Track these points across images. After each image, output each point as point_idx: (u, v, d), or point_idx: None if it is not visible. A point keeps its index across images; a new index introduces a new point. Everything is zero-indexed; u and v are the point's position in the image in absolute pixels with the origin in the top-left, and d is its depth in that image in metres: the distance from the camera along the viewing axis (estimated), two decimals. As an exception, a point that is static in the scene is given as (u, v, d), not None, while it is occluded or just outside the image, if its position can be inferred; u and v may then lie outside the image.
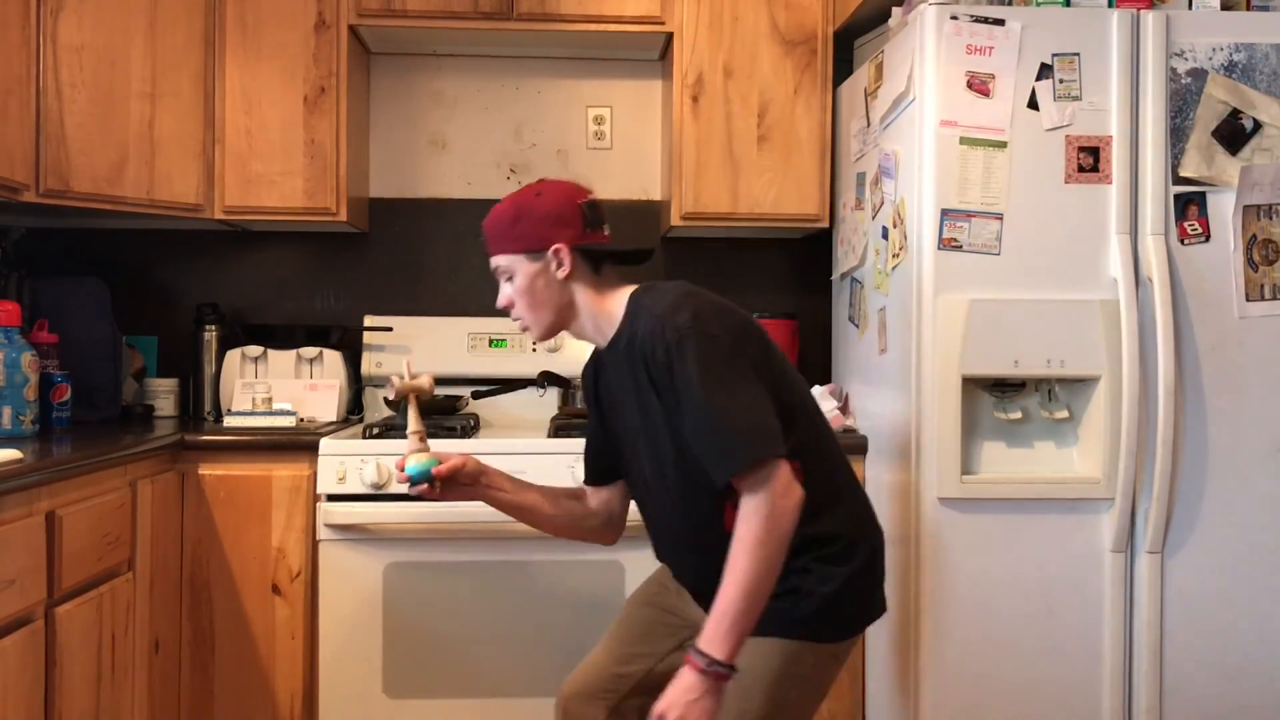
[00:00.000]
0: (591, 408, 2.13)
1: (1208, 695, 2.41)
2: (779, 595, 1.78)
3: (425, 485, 2.03)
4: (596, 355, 2.06)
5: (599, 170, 3.34)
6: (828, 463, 1.90)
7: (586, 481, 2.20)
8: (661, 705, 1.72)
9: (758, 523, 1.70)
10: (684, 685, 1.71)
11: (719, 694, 1.72)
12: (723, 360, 1.77)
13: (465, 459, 2.09)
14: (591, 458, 2.18)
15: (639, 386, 1.88)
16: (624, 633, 2.12)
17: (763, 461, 1.71)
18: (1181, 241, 2.40)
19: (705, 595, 1.84)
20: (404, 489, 2.55)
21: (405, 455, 2.05)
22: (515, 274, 1.94)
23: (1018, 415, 2.43)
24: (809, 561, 1.84)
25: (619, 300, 1.94)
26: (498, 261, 1.96)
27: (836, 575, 1.86)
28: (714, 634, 1.70)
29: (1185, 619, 2.41)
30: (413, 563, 2.59)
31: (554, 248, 1.90)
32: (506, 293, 1.98)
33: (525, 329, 2.00)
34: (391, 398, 2.12)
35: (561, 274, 1.91)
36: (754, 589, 1.70)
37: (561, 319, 1.97)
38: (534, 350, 3.17)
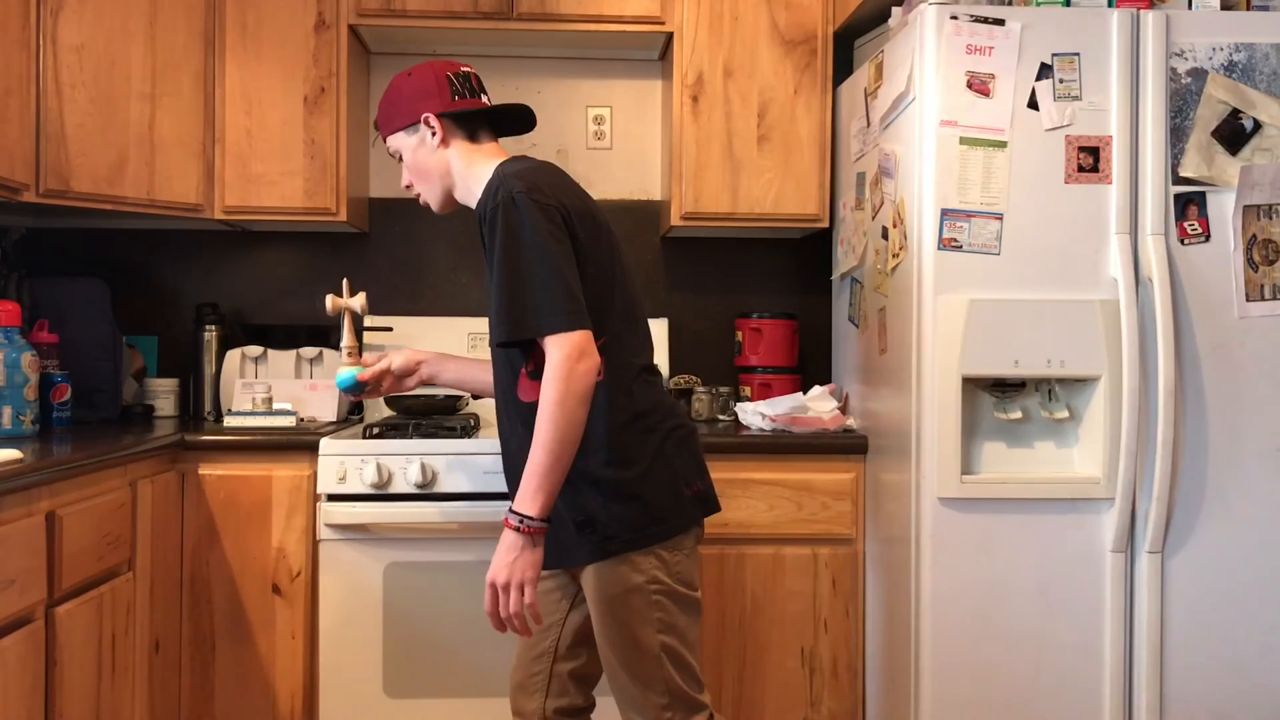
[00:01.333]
0: None
1: (1208, 695, 2.41)
2: (580, 526, 1.92)
3: (357, 391, 2.29)
4: None
5: (599, 170, 3.34)
6: (628, 357, 1.97)
7: None
8: (491, 573, 1.84)
9: (556, 385, 1.80)
10: (505, 547, 1.84)
11: (538, 547, 1.84)
12: (540, 231, 1.86)
13: (389, 360, 2.30)
14: None
15: (483, 247, 2.00)
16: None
17: (558, 334, 1.82)
18: (1181, 241, 2.40)
19: (512, 474, 2.00)
20: (408, 489, 2.58)
21: (341, 367, 2.29)
22: (403, 151, 2.10)
23: (1018, 415, 2.43)
24: (591, 484, 1.91)
25: (488, 165, 2.04)
26: (389, 145, 2.13)
27: (632, 486, 1.92)
28: (524, 493, 1.83)
29: (1185, 619, 2.41)
30: (413, 563, 2.59)
31: (423, 116, 2.05)
32: (405, 174, 2.14)
33: (425, 204, 2.15)
34: (328, 311, 2.35)
35: (434, 141, 2.05)
36: (556, 448, 1.81)
37: (446, 187, 2.10)
38: (534, 350, 3.17)
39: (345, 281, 2.36)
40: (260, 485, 2.64)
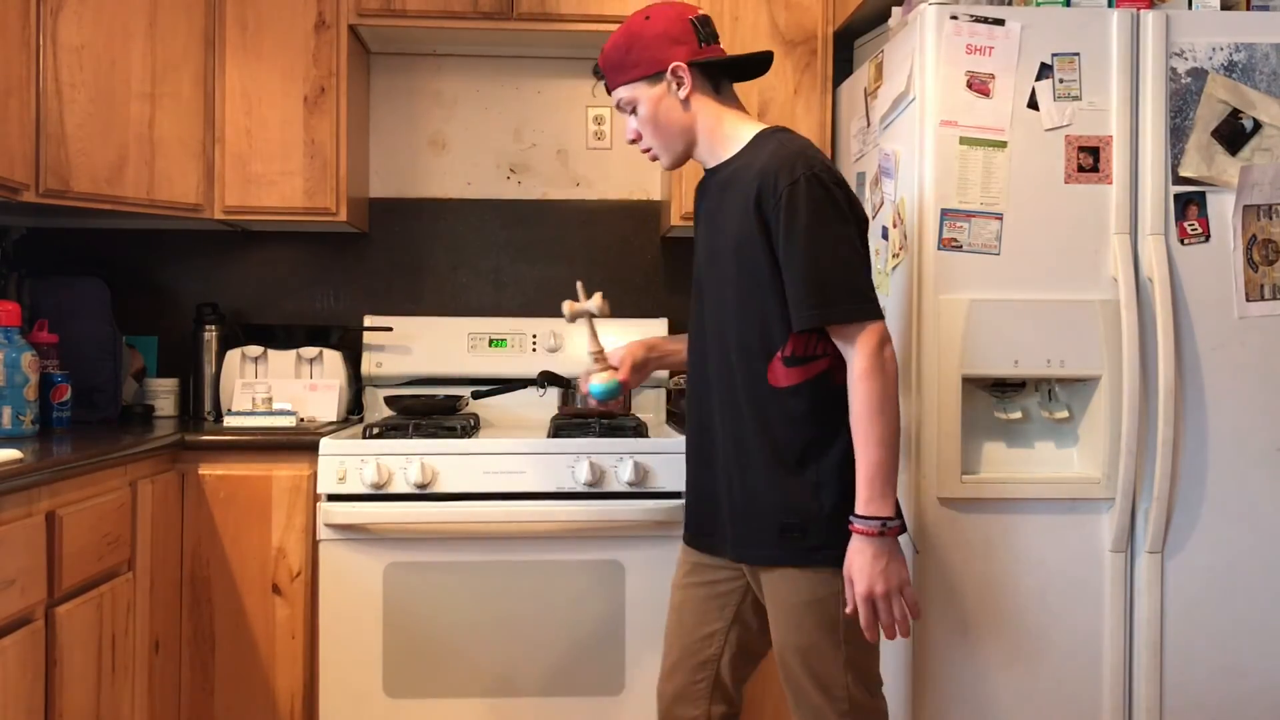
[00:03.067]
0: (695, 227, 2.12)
1: (1208, 695, 2.41)
2: (787, 528, 1.84)
3: (615, 397, 2.14)
4: (700, 184, 2.06)
5: (599, 170, 3.34)
6: None
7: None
8: (863, 586, 1.77)
9: (876, 378, 1.76)
10: (869, 556, 1.76)
11: (899, 549, 1.78)
12: (842, 219, 1.81)
13: (633, 355, 2.16)
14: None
15: (730, 213, 1.88)
16: (683, 618, 2.08)
17: (869, 323, 1.77)
18: (1181, 241, 2.40)
19: (727, 461, 1.91)
20: (408, 489, 2.58)
21: (587, 374, 2.13)
22: (638, 103, 1.94)
23: (1018, 415, 2.43)
24: (814, 487, 1.85)
25: (740, 126, 1.94)
26: (620, 94, 1.96)
27: (847, 495, 1.85)
28: (870, 495, 1.76)
29: (1185, 619, 2.40)
30: (413, 563, 2.59)
31: (672, 66, 1.89)
32: (632, 126, 1.98)
33: (654, 158, 2.00)
34: (566, 318, 2.16)
35: (683, 93, 1.91)
36: (888, 441, 1.76)
37: (689, 142, 1.96)
38: (534, 350, 3.17)
39: (580, 284, 2.20)
40: (260, 485, 2.64)
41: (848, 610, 1.82)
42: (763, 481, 1.89)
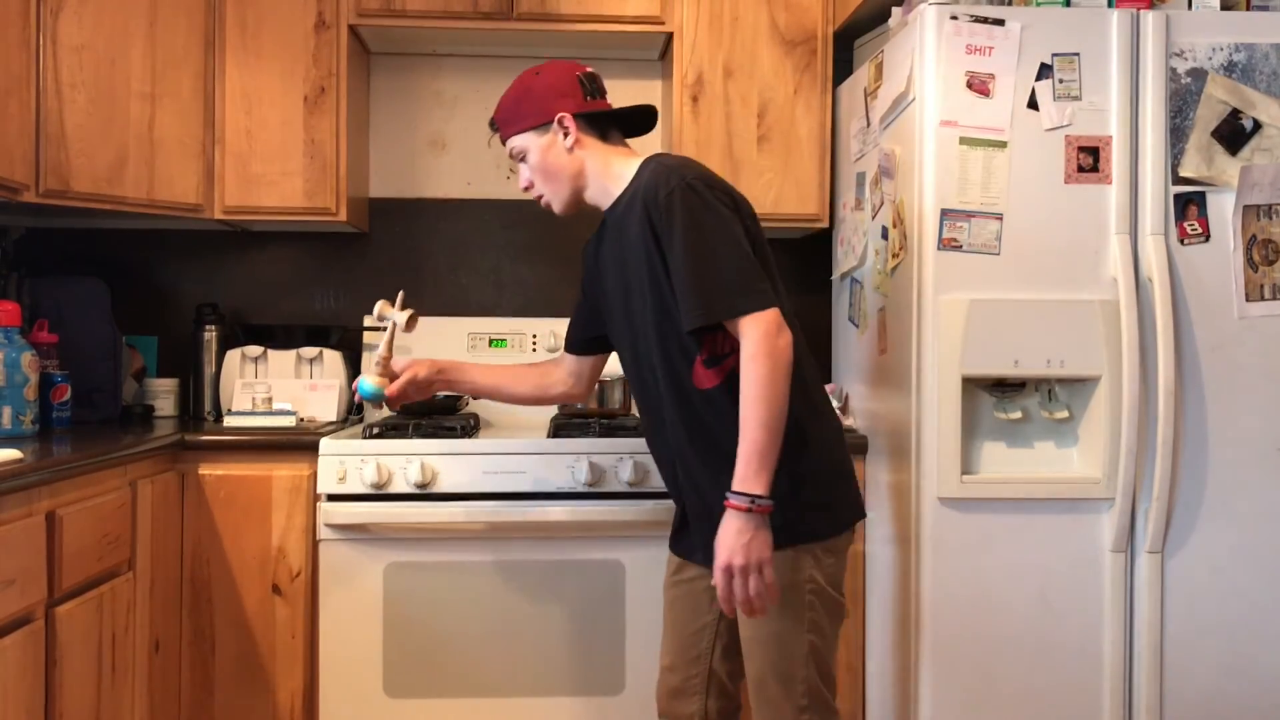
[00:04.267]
0: (585, 278, 2.25)
1: (1208, 695, 2.41)
2: None
3: (377, 402, 2.25)
4: (600, 227, 2.15)
5: (599, 170, 3.34)
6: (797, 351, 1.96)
7: (566, 348, 2.35)
8: (723, 557, 1.82)
9: (762, 361, 1.81)
10: (734, 530, 1.81)
11: (767, 527, 1.82)
12: (719, 219, 1.88)
13: (414, 372, 2.25)
14: (573, 327, 2.32)
15: (631, 237, 1.97)
16: (674, 618, 2.16)
17: (753, 313, 1.83)
18: (1181, 241, 2.40)
19: (679, 468, 2.01)
20: (408, 489, 2.58)
21: (365, 374, 2.25)
22: (528, 151, 2.05)
23: (1018, 415, 2.43)
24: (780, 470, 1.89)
25: (627, 163, 2.04)
26: (511, 144, 2.08)
27: (804, 476, 1.92)
28: (746, 473, 1.81)
29: (1185, 619, 2.41)
30: (413, 563, 2.59)
31: (558, 116, 2.01)
32: (525, 175, 2.09)
33: (547, 205, 2.11)
34: (375, 315, 2.26)
35: (569, 142, 2.03)
36: (773, 424, 1.81)
37: (577, 188, 2.06)
38: (534, 350, 3.17)
39: (401, 293, 2.29)
40: (260, 485, 2.64)
41: (712, 582, 1.88)
42: (708, 481, 1.96)
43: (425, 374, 2.27)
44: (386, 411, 3.02)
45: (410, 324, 2.24)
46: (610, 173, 2.04)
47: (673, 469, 2.07)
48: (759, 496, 1.81)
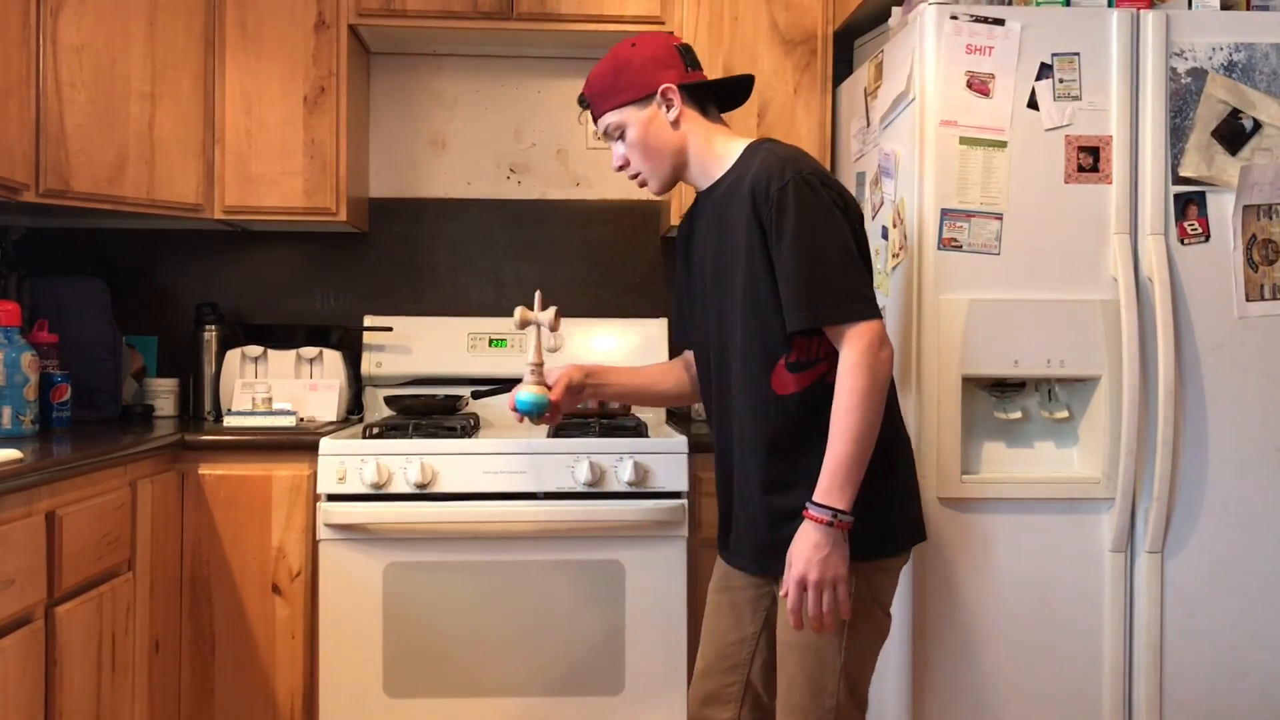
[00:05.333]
0: (681, 262, 2.12)
1: (1208, 695, 2.41)
2: (793, 533, 1.82)
3: (539, 415, 2.06)
4: (693, 206, 2.06)
5: (599, 170, 3.34)
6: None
7: (678, 343, 2.21)
8: (798, 569, 1.76)
9: (863, 374, 1.75)
10: (812, 541, 1.75)
11: (845, 543, 1.77)
12: (832, 220, 1.81)
13: (569, 376, 2.11)
14: (679, 318, 2.17)
15: (733, 225, 1.88)
16: (715, 624, 2.09)
17: (861, 322, 1.77)
18: (1181, 241, 2.40)
19: (738, 468, 1.93)
20: (408, 489, 2.57)
21: (519, 386, 2.07)
22: (627, 127, 1.94)
23: (1018, 415, 2.43)
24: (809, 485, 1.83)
25: (730, 144, 1.95)
26: (608, 120, 1.96)
27: (879, 493, 1.85)
28: (830, 485, 1.75)
29: (1185, 619, 2.40)
30: (413, 563, 2.59)
31: (662, 88, 1.91)
32: (620, 152, 1.98)
33: (643, 184, 2.00)
34: (516, 325, 2.12)
35: (673, 114, 1.92)
36: (862, 438, 1.75)
37: (678, 165, 1.96)
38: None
39: (538, 294, 2.17)
40: (260, 485, 2.64)
41: (780, 593, 1.83)
42: (764, 487, 1.89)
43: (580, 378, 2.13)
44: (385, 410, 3.02)
45: (556, 322, 2.11)
46: (712, 151, 1.94)
47: (729, 467, 1.99)
48: (841, 511, 1.75)
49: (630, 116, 1.94)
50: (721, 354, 1.95)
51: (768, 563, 1.92)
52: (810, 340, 1.84)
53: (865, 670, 1.92)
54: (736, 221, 1.87)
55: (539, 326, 2.11)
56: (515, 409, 2.06)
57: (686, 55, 1.96)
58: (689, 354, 2.19)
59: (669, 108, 1.92)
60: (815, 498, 1.77)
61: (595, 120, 2.00)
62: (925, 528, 2.03)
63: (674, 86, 1.91)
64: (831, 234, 1.80)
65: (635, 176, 2.00)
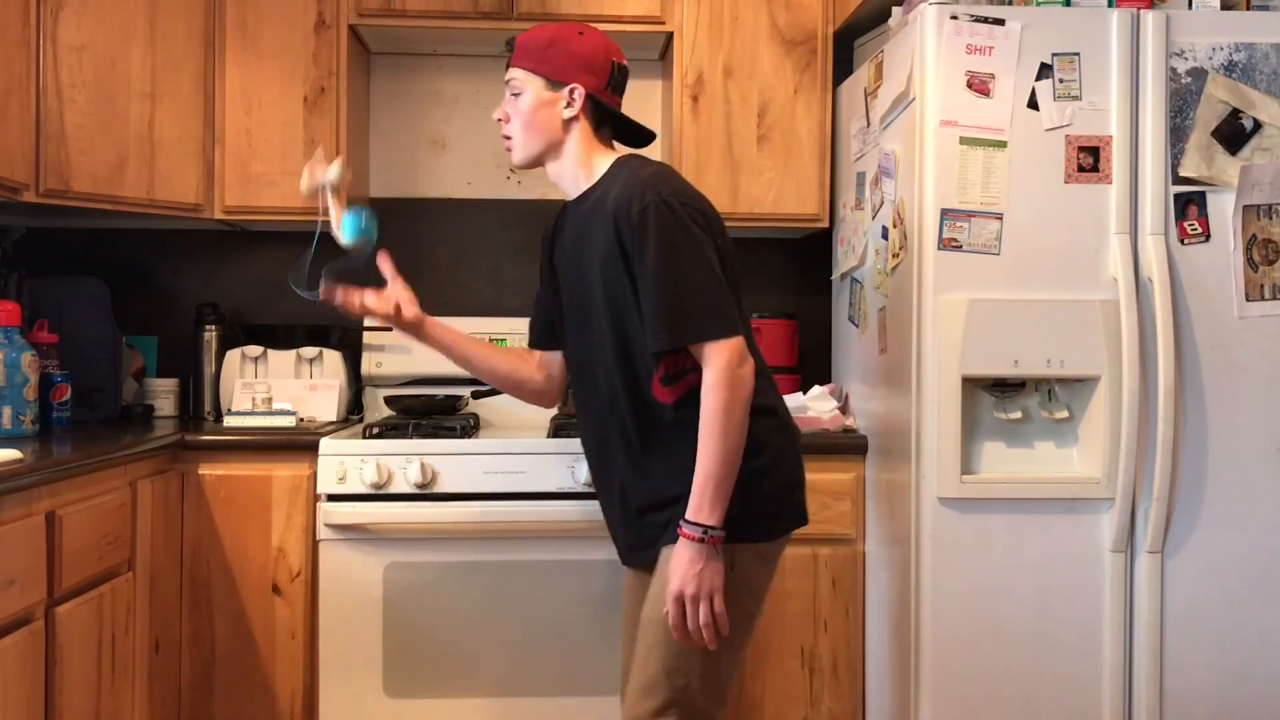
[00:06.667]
0: (545, 267, 2.18)
1: (1208, 695, 2.41)
2: (675, 501, 1.88)
3: (366, 240, 2.05)
4: (560, 214, 2.11)
5: (599, 170, 3.34)
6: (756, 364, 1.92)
7: (530, 344, 2.27)
8: (675, 585, 1.81)
9: (723, 392, 1.80)
10: (686, 558, 1.81)
11: (719, 558, 1.82)
12: (692, 240, 1.85)
13: (403, 285, 2.14)
14: (536, 320, 2.25)
15: (594, 243, 1.93)
16: (626, 627, 2.14)
17: (719, 340, 1.81)
18: (1181, 241, 2.40)
19: (613, 484, 1.99)
20: (408, 489, 2.57)
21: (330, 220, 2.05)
22: (524, 92, 1.99)
23: (1018, 415, 2.43)
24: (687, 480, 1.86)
25: (604, 160, 2.00)
26: (514, 73, 2.01)
27: (755, 476, 1.89)
28: (700, 504, 1.81)
29: (1185, 619, 2.40)
30: (413, 563, 2.59)
31: (572, 86, 1.97)
32: (506, 107, 2.02)
33: (509, 149, 2.04)
34: (303, 192, 2.09)
35: (569, 113, 1.97)
36: (728, 454, 1.81)
37: (547, 153, 2.01)
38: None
39: (320, 148, 2.12)
40: (260, 485, 2.64)
41: (663, 610, 1.85)
42: (660, 486, 1.94)
43: (407, 295, 2.14)
44: (385, 410, 3.02)
45: (347, 175, 2.07)
46: (586, 163, 2.00)
47: (609, 475, 2.03)
48: (712, 528, 1.81)
49: (534, 87, 1.98)
50: (596, 366, 2.00)
51: (637, 556, 2.01)
52: (677, 355, 1.88)
53: (726, 669, 1.92)
54: (598, 241, 1.92)
55: (324, 188, 2.07)
56: (343, 237, 2.08)
57: (617, 74, 2.02)
58: (541, 354, 2.24)
59: (569, 105, 1.97)
60: (687, 515, 1.82)
61: (508, 67, 2.03)
62: (806, 513, 2.04)
63: (582, 90, 1.97)
64: (691, 254, 1.84)
65: (506, 138, 2.03)
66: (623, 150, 2.05)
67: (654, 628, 1.90)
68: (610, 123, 2.05)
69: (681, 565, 1.81)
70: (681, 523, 1.82)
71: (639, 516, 1.98)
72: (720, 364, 1.81)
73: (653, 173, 1.91)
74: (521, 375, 2.24)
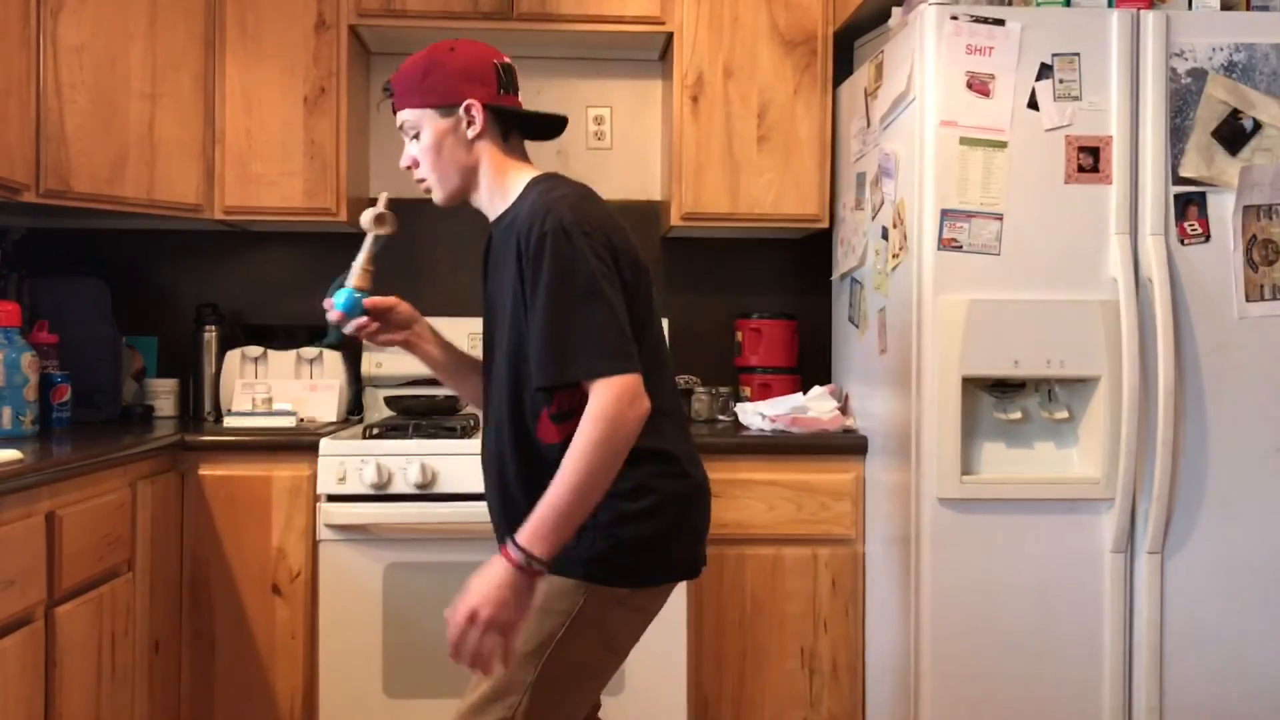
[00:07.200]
0: (482, 281, 2.07)
1: (1208, 695, 2.41)
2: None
3: (359, 320, 1.94)
4: (489, 233, 2.01)
5: (599, 170, 3.34)
6: (655, 400, 1.74)
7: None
8: (471, 600, 1.63)
9: (601, 426, 1.63)
10: (496, 579, 1.63)
11: (530, 592, 1.65)
12: (589, 271, 1.70)
13: (397, 300, 2.02)
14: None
15: (504, 265, 1.83)
16: None
17: (609, 377, 1.66)
18: (1181, 242, 2.40)
19: (500, 519, 1.86)
20: (408, 489, 2.57)
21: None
22: (422, 130, 1.87)
23: (1017, 415, 2.43)
24: (604, 498, 1.71)
25: (519, 177, 1.88)
26: (404, 117, 1.89)
27: (628, 518, 1.75)
28: (536, 531, 1.63)
29: (1185, 619, 2.40)
30: (413, 563, 2.59)
31: (466, 103, 1.83)
32: (411, 152, 1.92)
33: (428, 190, 1.94)
34: (362, 225, 2.04)
35: (472, 132, 1.84)
36: (583, 491, 1.63)
37: (466, 182, 1.90)
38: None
39: (383, 195, 2.07)
40: (260, 486, 2.64)
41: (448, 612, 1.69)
42: (515, 519, 1.75)
43: (407, 311, 2.03)
44: (385, 411, 3.02)
45: (380, 223, 2.01)
46: (500, 184, 1.88)
47: (492, 479, 1.92)
48: (537, 559, 1.62)
49: (428, 122, 1.86)
50: (495, 385, 1.88)
51: None
52: (571, 391, 1.73)
53: (558, 701, 1.77)
54: (505, 267, 1.82)
55: (382, 235, 2.02)
56: (333, 307, 1.95)
57: (505, 75, 1.88)
58: None
59: (469, 124, 1.84)
60: (518, 538, 1.64)
61: (394, 112, 1.92)
62: (696, 566, 1.87)
63: (477, 104, 1.83)
64: (585, 287, 1.70)
65: (421, 182, 1.93)
66: (538, 170, 1.92)
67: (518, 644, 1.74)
68: (516, 126, 1.92)
69: (488, 585, 1.63)
70: (508, 541, 1.65)
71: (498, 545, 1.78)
72: (608, 398, 1.64)
73: (560, 196, 1.78)
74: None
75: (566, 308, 1.69)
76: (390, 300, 2.00)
